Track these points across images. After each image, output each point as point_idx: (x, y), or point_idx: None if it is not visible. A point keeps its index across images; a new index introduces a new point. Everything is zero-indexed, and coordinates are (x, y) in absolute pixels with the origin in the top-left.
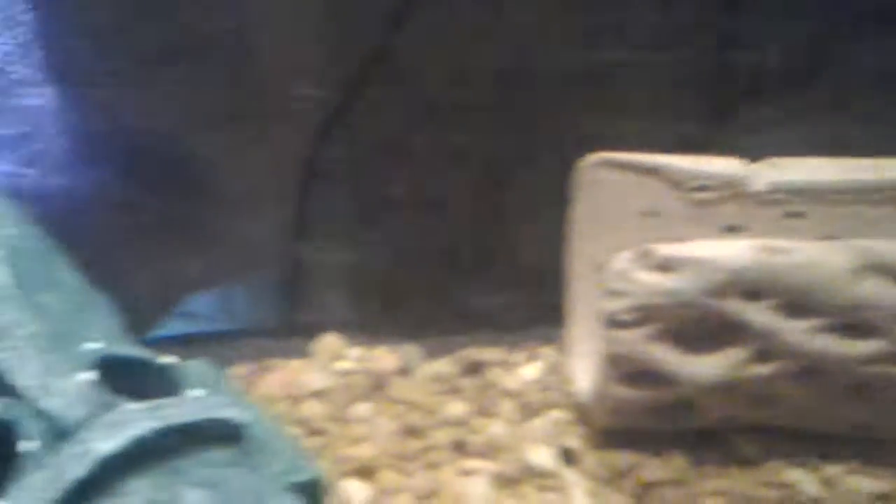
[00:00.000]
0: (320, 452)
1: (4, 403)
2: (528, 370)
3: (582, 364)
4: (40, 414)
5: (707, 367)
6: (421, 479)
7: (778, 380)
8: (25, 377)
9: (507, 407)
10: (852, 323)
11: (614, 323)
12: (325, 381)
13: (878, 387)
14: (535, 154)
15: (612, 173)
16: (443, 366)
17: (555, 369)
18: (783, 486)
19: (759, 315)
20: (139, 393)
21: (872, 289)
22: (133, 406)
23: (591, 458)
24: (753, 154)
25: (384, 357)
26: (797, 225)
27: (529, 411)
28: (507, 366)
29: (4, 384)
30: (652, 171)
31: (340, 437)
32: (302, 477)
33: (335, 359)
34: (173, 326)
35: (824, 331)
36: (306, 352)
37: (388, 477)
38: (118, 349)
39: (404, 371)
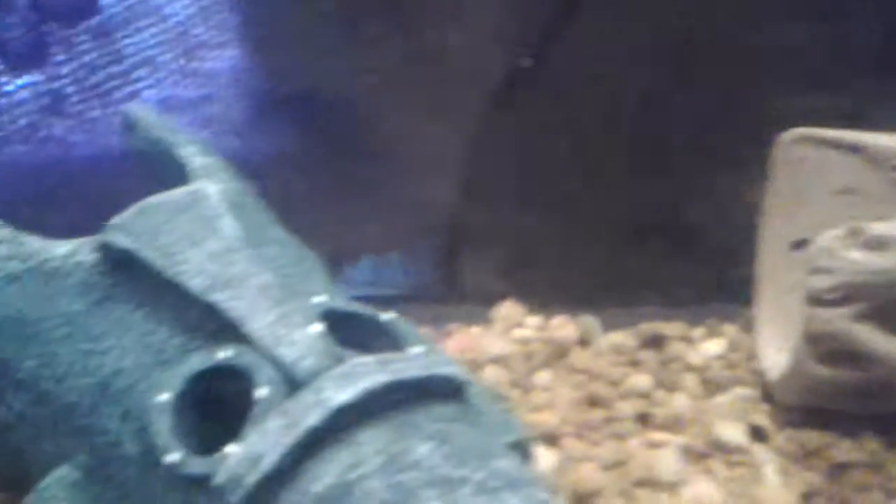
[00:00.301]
0: None
1: (238, 350)
2: (710, 346)
3: (771, 342)
4: (273, 363)
5: None
6: (606, 449)
7: None
8: (258, 326)
9: (690, 381)
10: None
11: (817, 301)
12: (504, 348)
13: None
14: (717, 128)
15: (811, 150)
16: (623, 337)
17: (737, 346)
18: None
19: None
20: (360, 347)
21: None
22: (364, 359)
23: (781, 436)
24: None
25: (563, 326)
26: None
27: (713, 387)
28: (688, 340)
29: (237, 333)
30: (852, 149)
31: (522, 404)
32: (512, 437)
33: (514, 326)
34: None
35: None
36: (484, 318)
37: (573, 445)
38: (342, 303)
39: (584, 341)
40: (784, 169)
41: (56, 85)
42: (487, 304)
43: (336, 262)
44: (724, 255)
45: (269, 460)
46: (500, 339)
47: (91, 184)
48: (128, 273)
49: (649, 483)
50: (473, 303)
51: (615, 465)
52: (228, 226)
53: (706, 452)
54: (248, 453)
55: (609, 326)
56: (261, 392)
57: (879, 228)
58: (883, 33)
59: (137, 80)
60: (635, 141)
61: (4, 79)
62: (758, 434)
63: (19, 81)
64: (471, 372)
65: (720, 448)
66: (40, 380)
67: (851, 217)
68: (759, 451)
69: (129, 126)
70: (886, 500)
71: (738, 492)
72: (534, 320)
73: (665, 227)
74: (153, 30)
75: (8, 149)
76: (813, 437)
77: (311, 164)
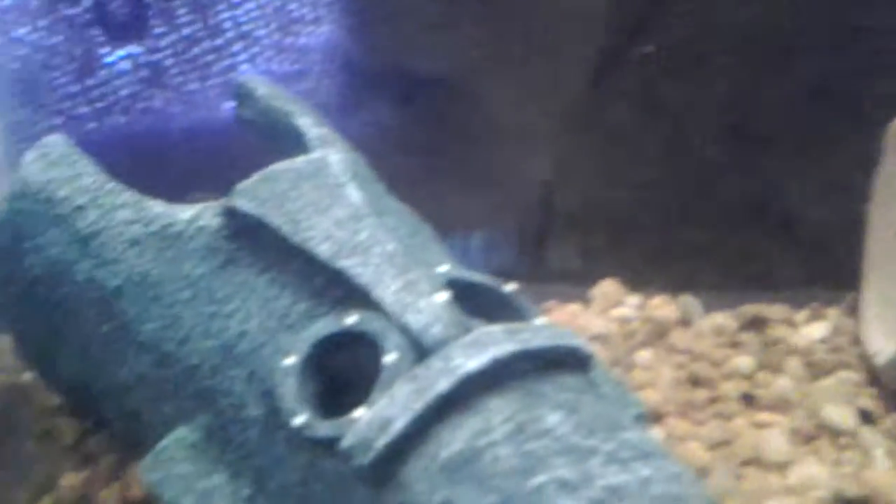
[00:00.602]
0: None
1: (365, 317)
2: (813, 329)
3: (877, 327)
4: (401, 330)
5: None
6: (711, 429)
7: None
8: (385, 294)
9: (793, 364)
10: None
11: None
12: (604, 327)
13: None
14: (825, 110)
15: None
16: (723, 319)
17: (841, 330)
18: None
19: None
20: (483, 317)
21: None
22: (491, 328)
23: (889, 420)
24: None
25: (663, 306)
26: None
27: (818, 370)
28: (791, 323)
29: (364, 299)
30: None
31: (623, 382)
32: (634, 410)
33: (613, 305)
34: None
35: None
36: (581, 297)
37: (677, 424)
38: (465, 273)
39: (684, 321)
40: (894, 155)
41: (155, 57)
42: (584, 283)
43: None
44: (828, 238)
45: (399, 425)
46: (599, 318)
47: (188, 155)
48: (252, 238)
49: (757, 463)
50: (570, 282)
51: (721, 444)
52: (353, 194)
53: (814, 434)
54: (377, 417)
55: (709, 307)
56: (389, 358)
57: None
58: None
59: (234, 53)
60: (740, 120)
61: (105, 50)
62: (866, 417)
63: (120, 53)
64: None
65: (828, 430)
66: (162, 342)
67: None
68: (868, 435)
69: (242, 96)
70: None
71: (847, 474)
72: (633, 299)
73: (767, 209)
74: (250, 4)
75: (108, 119)
76: None
77: (404, 140)
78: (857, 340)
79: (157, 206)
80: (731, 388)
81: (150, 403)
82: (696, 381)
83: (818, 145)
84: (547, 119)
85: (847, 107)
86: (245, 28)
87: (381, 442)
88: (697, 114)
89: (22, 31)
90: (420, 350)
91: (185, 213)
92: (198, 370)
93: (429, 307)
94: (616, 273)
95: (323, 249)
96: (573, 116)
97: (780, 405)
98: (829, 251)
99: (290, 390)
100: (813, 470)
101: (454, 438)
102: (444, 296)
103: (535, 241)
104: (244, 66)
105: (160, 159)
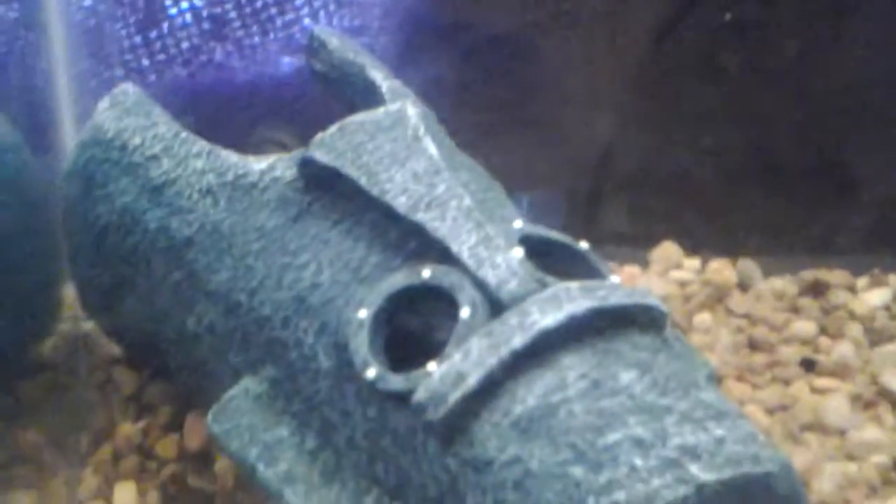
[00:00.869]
0: None
1: (441, 271)
2: (874, 295)
3: None
4: (476, 284)
5: None
6: (770, 393)
7: None
8: (462, 248)
9: (854, 330)
10: None
11: None
12: (663, 289)
13: None
14: (886, 75)
15: None
16: (783, 283)
17: None
18: None
19: None
20: (557, 274)
21: None
22: (567, 285)
23: None
24: None
25: (722, 270)
26: None
27: (878, 336)
28: (851, 289)
29: (440, 253)
30: None
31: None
32: (705, 370)
33: (672, 268)
34: None
35: None
36: (640, 259)
37: (735, 387)
38: (542, 230)
39: (743, 285)
40: None
41: (217, 10)
42: (642, 245)
43: None
44: (891, 203)
45: (473, 379)
46: (658, 280)
47: (249, 108)
48: (327, 190)
49: (817, 427)
50: (628, 244)
51: (780, 408)
52: (430, 147)
53: (874, 400)
54: (451, 371)
55: (768, 272)
56: (465, 312)
57: None
58: None
59: (297, 7)
60: (801, 83)
61: (168, 2)
62: None
63: (183, 5)
64: None
65: (888, 397)
66: (233, 292)
67: None
68: None
69: (315, 48)
70: None
71: None
72: (692, 263)
73: (829, 173)
74: None
75: (170, 72)
76: None
77: (461, 97)
78: None
79: (231, 157)
80: (790, 352)
81: (217, 353)
82: (754, 346)
83: (884, 108)
84: (607, 80)
85: None
86: None
87: (454, 396)
88: (758, 76)
89: None
90: (496, 305)
91: (258, 164)
92: (268, 321)
93: (505, 262)
94: (674, 236)
95: (400, 202)
96: (634, 78)
97: (840, 371)
98: (891, 216)
99: (362, 343)
100: (873, 435)
101: (528, 394)
102: (520, 251)
103: (592, 202)
104: (307, 21)
105: (222, 112)
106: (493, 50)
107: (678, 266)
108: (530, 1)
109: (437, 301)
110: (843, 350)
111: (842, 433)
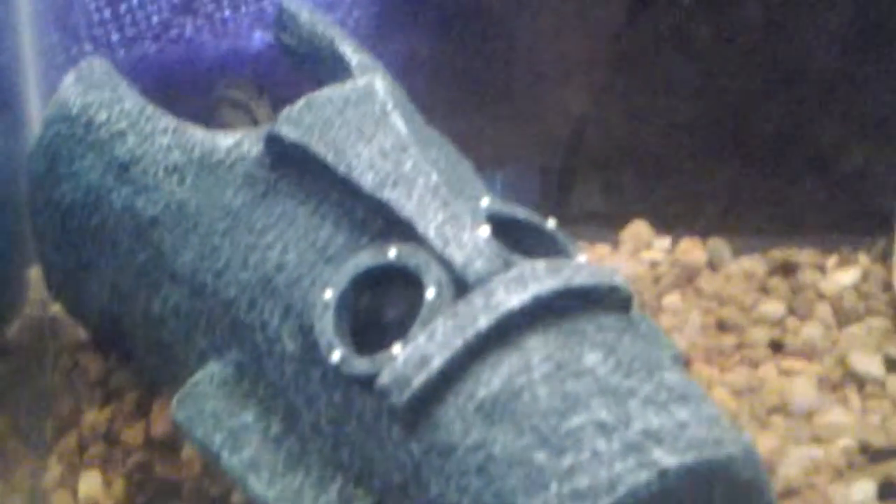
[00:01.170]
0: None
1: (407, 250)
2: (842, 275)
3: None
4: (442, 264)
5: None
6: (738, 375)
7: None
8: (429, 226)
9: (822, 310)
10: None
11: None
12: (633, 269)
13: None
14: (855, 53)
15: None
16: (753, 263)
17: (871, 276)
18: None
19: None
20: (524, 252)
21: None
22: (533, 264)
23: None
24: None
25: (692, 250)
26: None
27: (847, 316)
28: (820, 268)
29: (406, 232)
30: None
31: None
32: (670, 351)
33: (642, 248)
34: None
35: None
36: (609, 239)
37: (703, 369)
38: (507, 207)
39: (713, 265)
40: None
41: None
42: (612, 223)
43: None
44: (860, 182)
45: (437, 363)
46: (628, 261)
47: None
48: (294, 167)
49: (783, 410)
50: (598, 222)
51: (748, 390)
52: (398, 123)
53: (840, 382)
54: (415, 354)
55: (738, 251)
56: (430, 293)
57: None
58: None
59: None
60: (771, 60)
61: None
62: (894, 366)
63: None
64: None
65: (855, 379)
66: (198, 273)
67: None
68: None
69: (284, 21)
70: None
71: (874, 423)
72: (662, 242)
73: (798, 151)
74: None
75: (139, 47)
76: None
77: (433, 70)
78: (887, 287)
79: (197, 133)
80: (759, 334)
81: (182, 336)
82: (723, 327)
83: (852, 86)
84: (579, 56)
85: (885, 45)
86: None
87: (419, 380)
88: (728, 53)
89: None
90: (462, 285)
91: (225, 140)
92: (234, 303)
93: (471, 241)
94: (644, 214)
95: (367, 179)
96: (606, 55)
97: (808, 352)
98: (860, 195)
99: (327, 325)
100: (840, 418)
101: (493, 377)
102: (486, 230)
103: (563, 179)
104: None
105: (191, 87)
106: (464, 24)
107: (648, 246)
108: None
109: (405, 280)
110: (811, 331)
111: (808, 416)
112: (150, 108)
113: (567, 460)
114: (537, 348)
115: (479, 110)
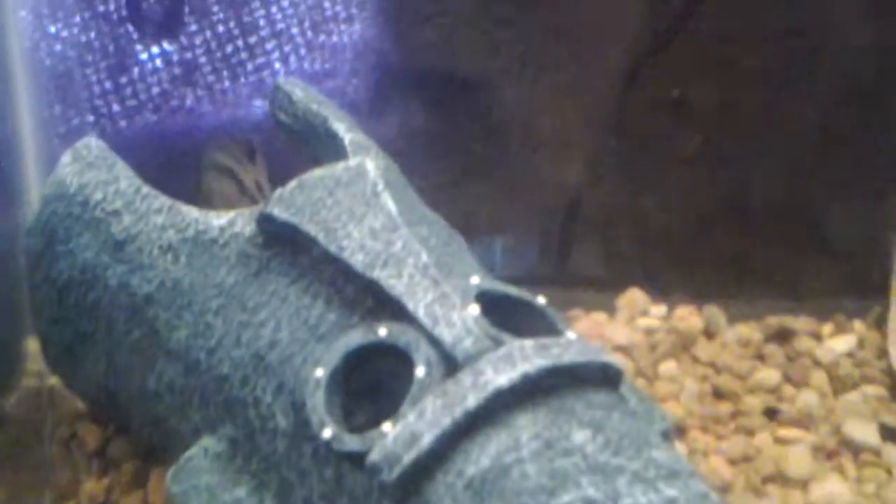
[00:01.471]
0: None
1: (397, 329)
2: (838, 342)
3: None
4: (432, 342)
5: None
6: (733, 443)
7: None
8: (418, 305)
9: (818, 378)
10: None
11: None
12: (630, 337)
13: None
14: (849, 124)
15: None
16: (749, 330)
17: (867, 343)
18: None
19: None
20: (514, 330)
21: None
22: (522, 343)
23: None
24: None
25: (688, 317)
26: None
27: (843, 384)
28: (816, 336)
29: (396, 311)
30: None
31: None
32: (660, 426)
33: (638, 314)
34: None
35: None
36: (606, 305)
37: (699, 437)
38: (496, 285)
39: (709, 332)
40: None
41: (189, 55)
42: (609, 289)
43: None
44: (855, 249)
45: (427, 440)
46: (624, 328)
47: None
48: (286, 246)
49: (779, 479)
50: (595, 288)
51: (743, 459)
52: (388, 203)
53: (836, 450)
54: (405, 432)
55: (734, 318)
56: (419, 371)
57: None
58: None
59: (267, 52)
60: (767, 130)
61: (139, 47)
62: (889, 434)
63: (153, 50)
64: None
65: (851, 447)
66: (192, 350)
67: None
68: (891, 452)
69: (279, 99)
70: None
71: (869, 492)
72: (658, 309)
73: (794, 219)
74: (284, 2)
75: (140, 118)
76: None
77: (432, 142)
78: (882, 354)
79: (191, 212)
80: (754, 401)
81: (177, 412)
82: (719, 394)
83: (848, 156)
84: (576, 124)
85: (878, 116)
86: (278, 26)
87: (409, 457)
88: (725, 121)
89: (56, 27)
90: (451, 363)
91: (219, 220)
92: (227, 380)
93: (460, 320)
94: (641, 280)
95: (357, 259)
96: (602, 123)
97: (804, 420)
98: (856, 262)
99: (319, 402)
100: (835, 487)
101: (482, 455)
102: (475, 309)
103: (561, 246)
104: (277, 65)
105: (192, 157)
106: (462, 95)
107: (644, 313)
108: (498, 47)
109: (395, 358)
110: (807, 399)
111: (804, 485)
112: (144, 188)
113: None
114: (526, 426)
115: (479, 178)
